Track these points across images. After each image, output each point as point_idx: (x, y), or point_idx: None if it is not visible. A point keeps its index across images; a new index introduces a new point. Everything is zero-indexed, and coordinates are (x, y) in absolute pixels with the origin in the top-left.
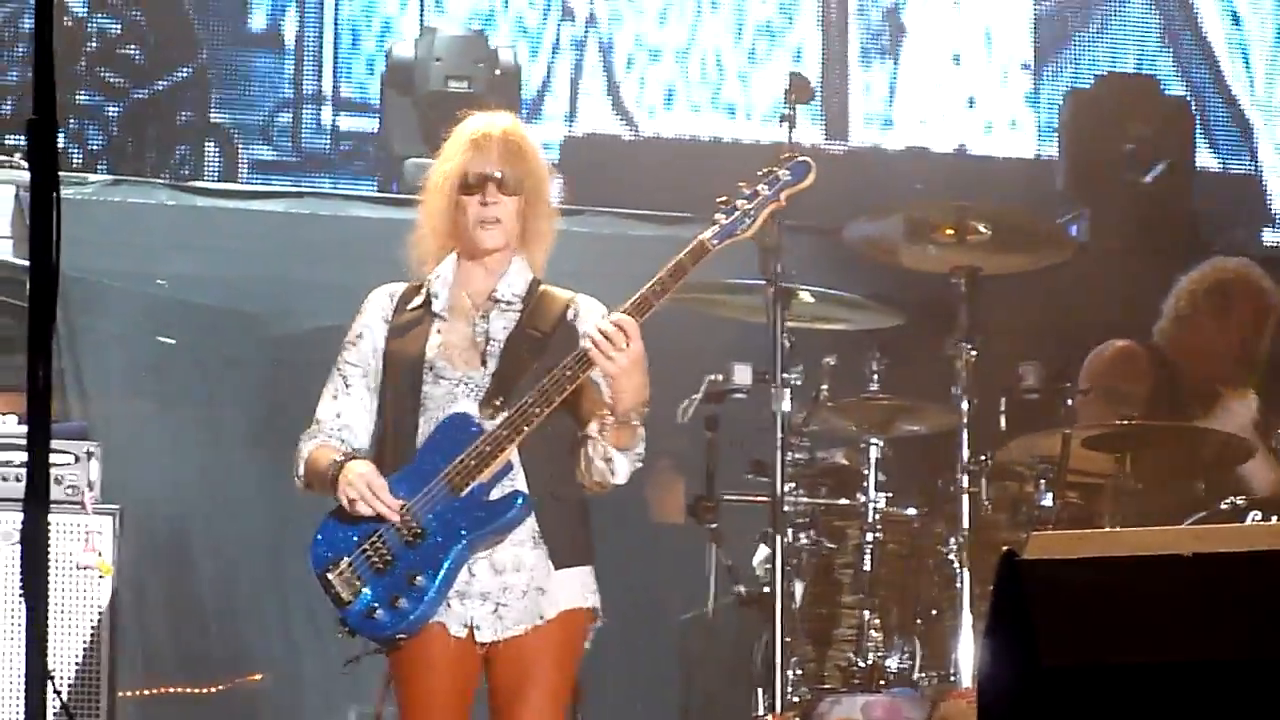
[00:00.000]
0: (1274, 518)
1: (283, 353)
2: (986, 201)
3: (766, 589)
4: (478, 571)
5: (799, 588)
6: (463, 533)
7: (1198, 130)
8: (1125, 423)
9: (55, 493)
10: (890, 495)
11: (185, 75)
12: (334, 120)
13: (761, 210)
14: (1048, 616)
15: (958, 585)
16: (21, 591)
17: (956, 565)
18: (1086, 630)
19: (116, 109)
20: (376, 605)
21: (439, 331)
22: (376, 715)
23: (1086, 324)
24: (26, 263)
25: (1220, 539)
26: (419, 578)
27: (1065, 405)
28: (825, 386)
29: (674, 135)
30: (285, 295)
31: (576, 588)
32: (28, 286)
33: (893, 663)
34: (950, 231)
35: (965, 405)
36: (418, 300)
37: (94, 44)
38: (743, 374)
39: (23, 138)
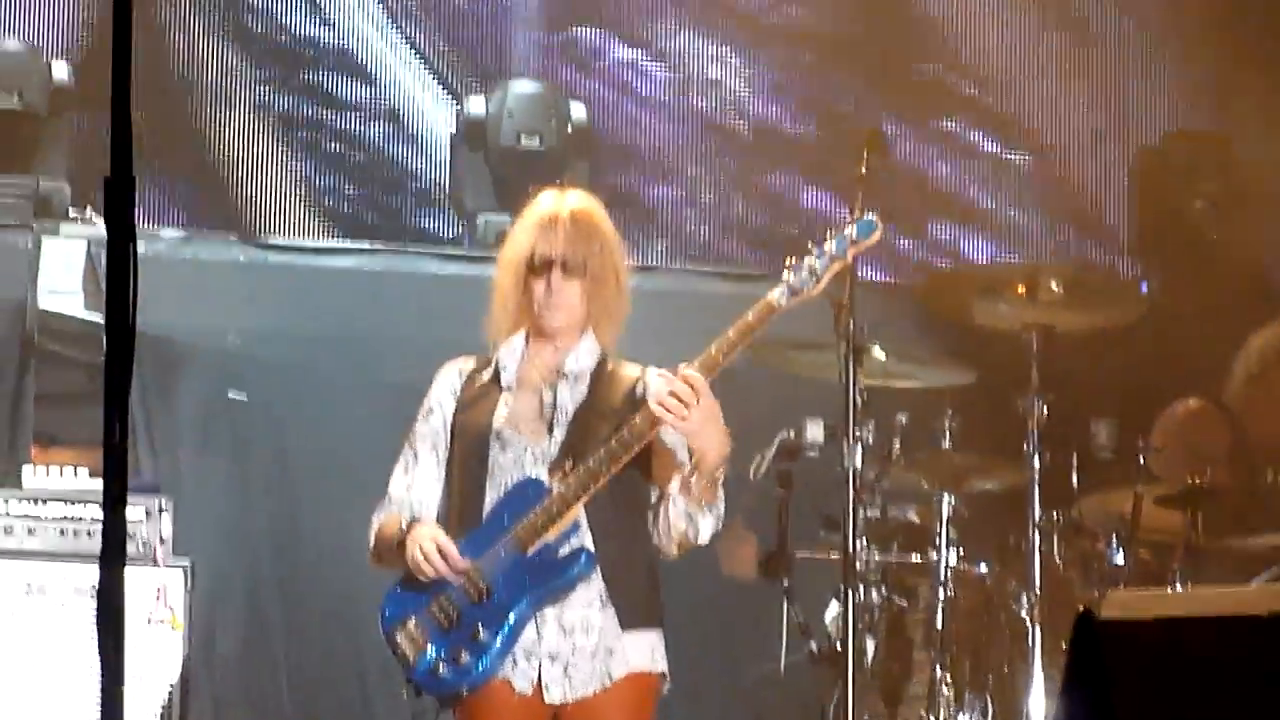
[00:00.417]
0: None
1: (354, 408)
2: (1058, 259)
3: (838, 645)
4: (545, 631)
5: (871, 644)
6: (528, 589)
7: None
8: (1197, 481)
9: (128, 548)
10: (962, 552)
11: (254, 132)
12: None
13: (828, 269)
14: (1125, 677)
15: (1029, 642)
16: (97, 647)
17: (1028, 622)
18: (1164, 691)
19: (193, 164)
20: (441, 661)
21: (506, 403)
22: None
23: (1158, 381)
24: (99, 318)
25: None
26: (482, 633)
27: (1137, 463)
28: (897, 443)
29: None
30: (357, 351)
31: (645, 650)
32: (101, 342)
33: None
34: (1022, 289)
35: (1037, 462)
36: (487, 374)
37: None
38: (815, 430)
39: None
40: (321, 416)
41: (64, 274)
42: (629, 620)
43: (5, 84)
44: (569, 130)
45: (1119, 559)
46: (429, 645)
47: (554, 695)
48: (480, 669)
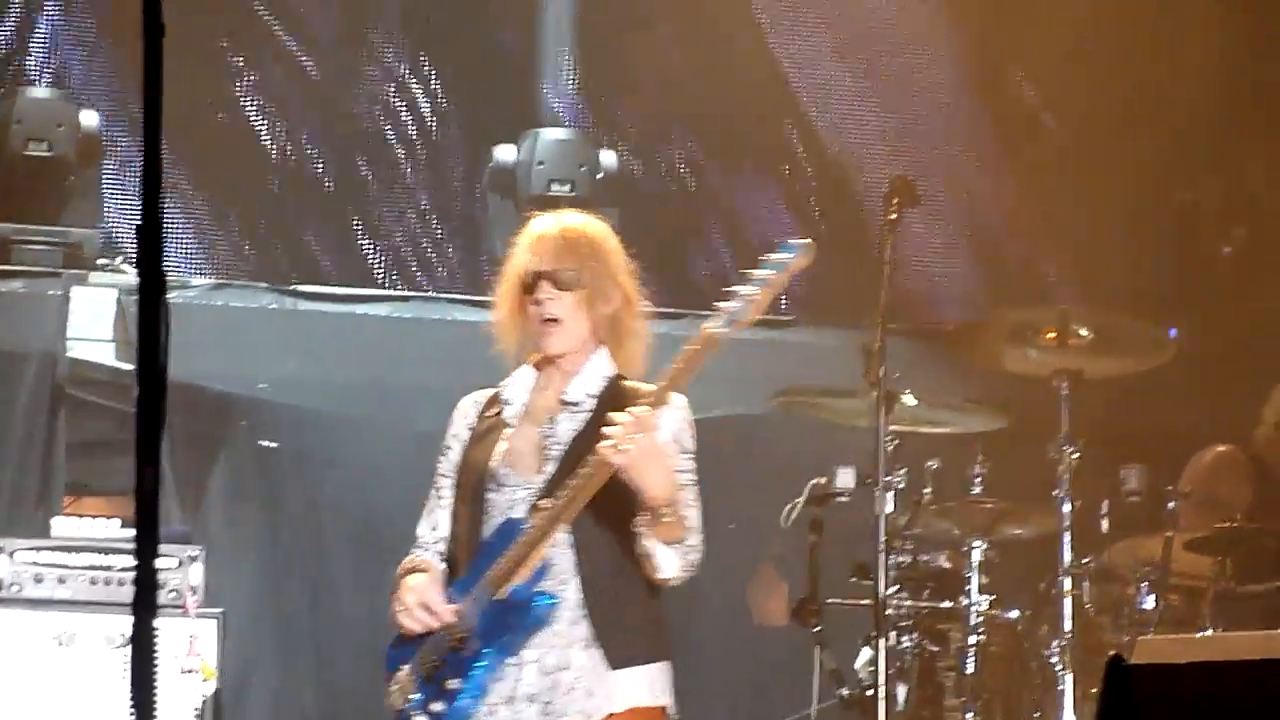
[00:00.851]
0: None
1: (384, 457)
2: (1088, 305)
3: (870, 692)
4: (526, 675)
5: (902, 690)
6: (496, 635)
7: None
8: (1226, 526)
9: (159, 597)
10: (993, 598)
11: (283, 179)
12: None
13: (761, 294)
14: None
15: (1060, 688)
16: (130, 698)
17: (1060, 668)
18: None
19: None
20: (419, 711)
21: (507, 438)
22: None
23: (1187, 427)
24: (129, 366)
25: None
26: (452, 681)
27: (1167, 509)
28: (928, 490)
29: None
30: (387, 399)
31: (641, 687)
32: (133, 391)
33: None
34: (1052, 335)
35: (1067, 508)
36: (497, 407)
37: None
38: (846, 477)
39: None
40: (353, 465)
41: (94, 323)
42: (619, 659)
43: (35, 132)
44: (599, 177)
45: (1149, 604)
46: (414, 694)
47: None
48: (449, 718)
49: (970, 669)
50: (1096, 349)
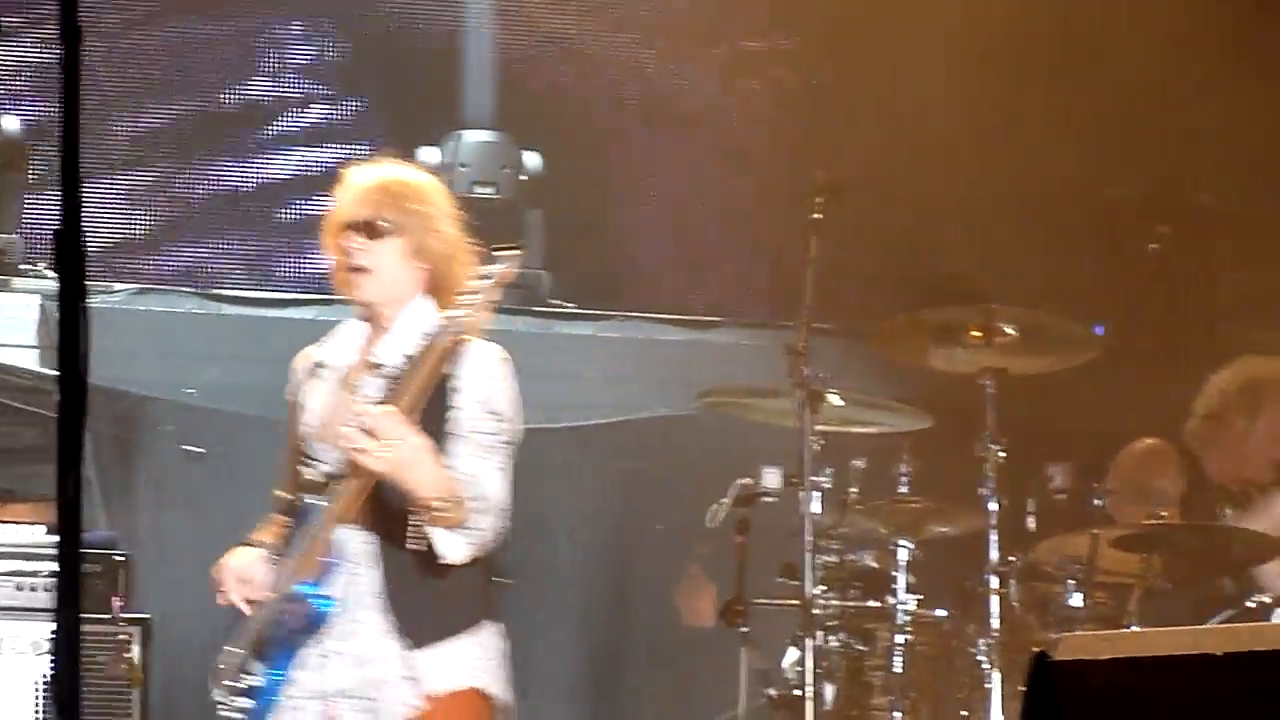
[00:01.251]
0: None
1: None
2: (1014, 303)
3: (798, 692)
4: (335, 668)
5: (830, 690)
6: (283, 632)
7: None
8: (1153, 522)
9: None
10: (920, 597)
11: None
12: None
13: (476, 303)
14: (1080, 718)
15: (988, 686)
16: (53, 702)
17: (987, 666)
18: None
19: (145, 217)
20: (231, 698)
21: (319, 407)
22: None
23: (1114, 425)
24: (53, 372)
25: (1250, 637)
26: (256, 670)
27: (1094, 505)
28: (854, 489)
29: None
30: None
31: (454, 665)
32: (55, 396)
33: None
34: (977, 333)
35: (994, 506)
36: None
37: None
38: (772, 478)
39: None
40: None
41: (17, 328)
42: (425, 636)
43: None
44: (522, 179)
45: (1076, 601)
46: (229, 680)
47: None
48: (252, 711)
49: (898, 668)
50: (1022, 347)
